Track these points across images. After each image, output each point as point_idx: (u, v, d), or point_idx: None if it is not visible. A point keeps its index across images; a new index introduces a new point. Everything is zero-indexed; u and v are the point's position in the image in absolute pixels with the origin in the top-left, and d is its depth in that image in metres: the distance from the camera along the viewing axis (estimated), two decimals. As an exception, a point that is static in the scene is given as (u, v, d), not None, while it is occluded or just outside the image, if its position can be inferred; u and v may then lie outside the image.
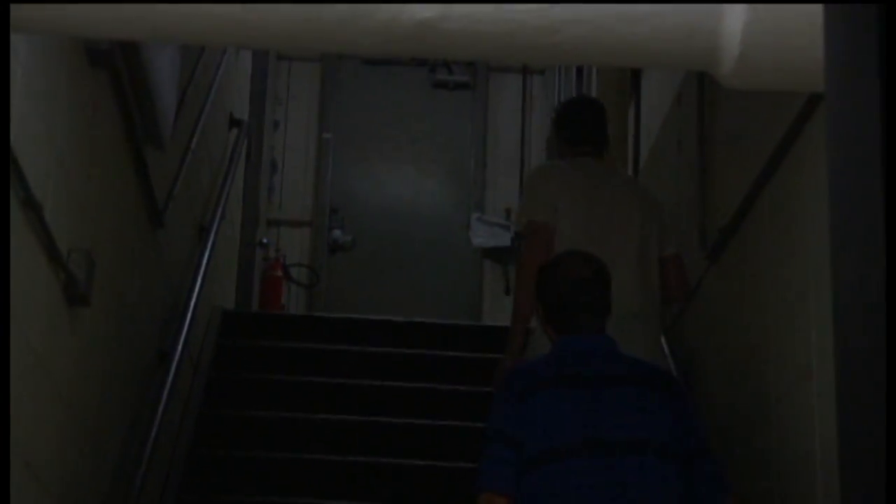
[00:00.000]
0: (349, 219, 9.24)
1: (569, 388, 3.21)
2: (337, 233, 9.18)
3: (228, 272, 7.06)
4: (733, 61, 2.34)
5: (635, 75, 7.00)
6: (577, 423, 3.16)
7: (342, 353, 6.15)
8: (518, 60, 6.54)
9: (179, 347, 4.59)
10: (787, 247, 3.54)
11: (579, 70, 7.92)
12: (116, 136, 3.64)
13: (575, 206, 4.23)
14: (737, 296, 4.14)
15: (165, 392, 4.31)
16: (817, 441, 3.21)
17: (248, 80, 7.73)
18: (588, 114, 4.55)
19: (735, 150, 4.19)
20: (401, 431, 5.48)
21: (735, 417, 4.11)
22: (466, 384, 5.82)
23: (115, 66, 3.42)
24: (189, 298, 4.93)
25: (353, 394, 5.75)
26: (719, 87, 4.45)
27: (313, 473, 5.14)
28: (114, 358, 3.86)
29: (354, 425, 5.47)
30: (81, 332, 3.32)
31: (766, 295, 3.78)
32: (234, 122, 6.59)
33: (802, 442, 3.32)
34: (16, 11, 1.99)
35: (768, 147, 3.66)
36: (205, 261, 5.23)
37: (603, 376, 3.25)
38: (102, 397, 3.72)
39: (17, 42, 2.60)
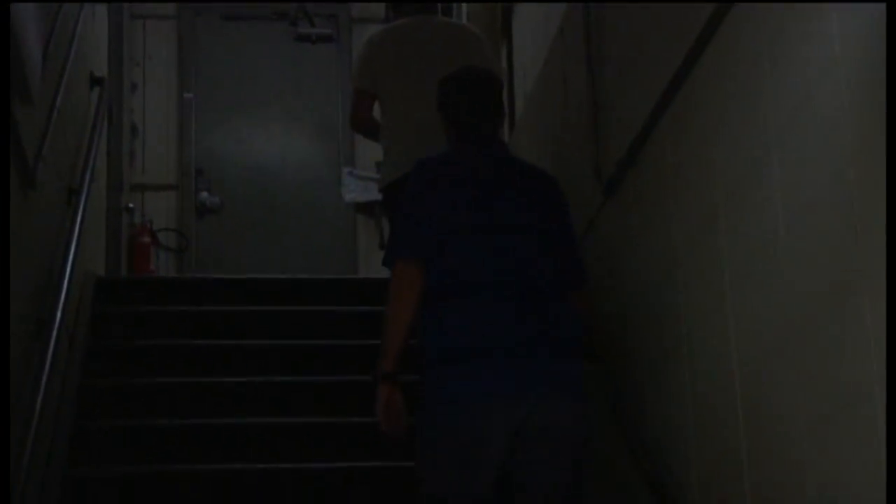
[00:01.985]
0: (216, 180, 8.99)
1: (463, 186, 3.74)
2: (204, 195, 8.93)
3: (97, 239, 6.79)
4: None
5: (506, 18, 6.89)
6: (470, 210, 3.69)
7: (219, 314, 5.96)
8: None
9: (59, 315, 4.35)
10: (693, 172, 3.46)
11: (447, 15, 7.78)
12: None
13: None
14: (637, 230, 4.05)
15: (48, 362, 4.08)
16: (736, 374, 3.13)
17: (106, 39, 7.41)
18: None
19: (629, 76, 4.09)
20: (285, 390, 5.33)
21: (639, 362, 4.03)
22: (347, 338, 5.69)
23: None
24: (65, 264, 4.68)
25: (233, 355, 5.57)
26: (607, 12, 4.35)
27: (197, 439, 4.97)
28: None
29: (234, 387, 5.30)
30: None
31: (668, 227, 3.69)
32: (96, 81, 6.30)
33: (721, 378, 3.24)
34: None
35: (667, 69, 3.56)
36: (77, 224, 4.98)
37: (494, 172, 3.79)
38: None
39: None
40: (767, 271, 2.89)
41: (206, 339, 5.71)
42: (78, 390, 5.09)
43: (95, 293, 5.93)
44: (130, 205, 8.41)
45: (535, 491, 3.46)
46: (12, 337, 3.98)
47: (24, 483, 3.65)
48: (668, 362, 3.70)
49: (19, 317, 4.12)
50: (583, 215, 4.58)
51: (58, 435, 4.70)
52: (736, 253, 3.12)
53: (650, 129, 3.84)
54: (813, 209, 2.62)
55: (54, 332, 4.21)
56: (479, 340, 3.50)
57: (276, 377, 5.43)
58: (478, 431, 3.42)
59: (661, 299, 3.77)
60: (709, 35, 3.27)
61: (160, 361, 5.49)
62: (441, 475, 3.47)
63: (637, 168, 4.03)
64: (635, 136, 3.96)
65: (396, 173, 4.77)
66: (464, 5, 7.43)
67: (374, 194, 8.55)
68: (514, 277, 3.59)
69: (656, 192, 3.82)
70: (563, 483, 3.48)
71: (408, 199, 3.77)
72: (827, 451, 2.57)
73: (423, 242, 3.63)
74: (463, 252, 3.63)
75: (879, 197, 2.26)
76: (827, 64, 2.54)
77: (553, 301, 3.62)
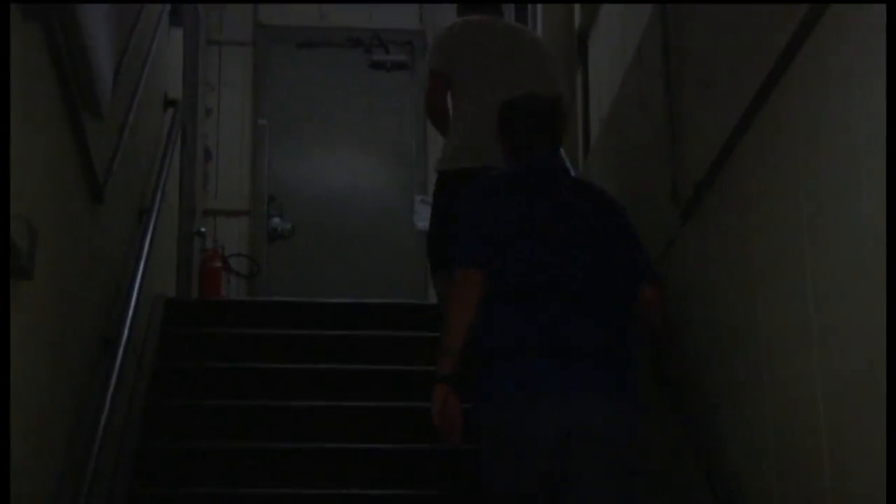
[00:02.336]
0: (288, 206, 8.97)
1: (527, 193, 3.90)
2: (276, 221, 8.92)
3: (168, 262, 6.78)
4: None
5: (582, 43, 6.80)
6: (534, 217, 3.83)
7: (286, 337, 5.91)
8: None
9: (125, 334, 4.31)
10: (776, 193, 3.34)
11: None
12: (51, 97, 3.35)
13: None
14: (715, 254, 3.93)
15: (113, 380, 4.03)
16: (822, 410, 3.00)
17: (181, 63, 7.42)
18: None
19: (708, 95, 3.98)
20: (352, 415, 5.26)
21: (716, 388, 3.90)
22: (417, 363, 5.61)
23: (49, 21, 3.14)
24: (133, 282, 4.64)
25: (301, 378, 5.51)
26: (687, 31, 4.25)
27: (266, 462, 4.91)
28: (58, 342, 3.58)
29: (302, 410, 5.24)
30: (24, 310, 3.04)
31: (748, 251, 3.56)
32: (169, 103, 6.30)
33: (803, 408, 3.11)
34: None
35: (749, 87, 3.45)
36: (147, 244, 4.95)
37: (550, 182, 3.96)
38: (48, 384, 3.44)
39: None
40: (857, 295, 2.75)
41: (274, 362, 5.66)
42: (144, 410, 5.05)
43: (165, 314, 5.90)
44: (202, 229, 8.40)
45: (584, 496, 3.52)
46: (79, 349, 3.95)
47: (88, 497, 3.60)
48: (746, 390, 3.57)
49: (86, 329, 4.09)
50: (659, 240, 4.47)
51: (123, 452, 4.66)
52: (823, 276, 2.99)
53: (730, 149, 3.72)
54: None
55: (121, 350, 4.16)
56: (530, 341, 3.62)
57: (344, 402, 5.36)
58: (524, 427, 3.52)
59: (740, 326, 3.65)
60: (793, 51, 3.15)
61: (227, 383, 5.45)
62: (492, 466, 3.60)
63: (716, 190, 3.91)
64: (714, 157, 3.85)
65: (458, 164, 5.02)
66: (539, 31, 7.35)
67: (446, 222, 8.53)
68: (569, 282, 3.72)
69: (736, 214, 3.70)
70: (613, 490, 3.53)
71: (467, 207, 3.91)
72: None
73: (484, 250, 3.74)
74: (520, 256, 3.75)
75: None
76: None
77: (607, 306, 3.72)
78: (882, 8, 2.58)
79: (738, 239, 3.68)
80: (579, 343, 3.62)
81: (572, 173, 4.13)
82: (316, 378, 5.51)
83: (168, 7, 6.30)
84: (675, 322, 4.27)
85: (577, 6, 6.90)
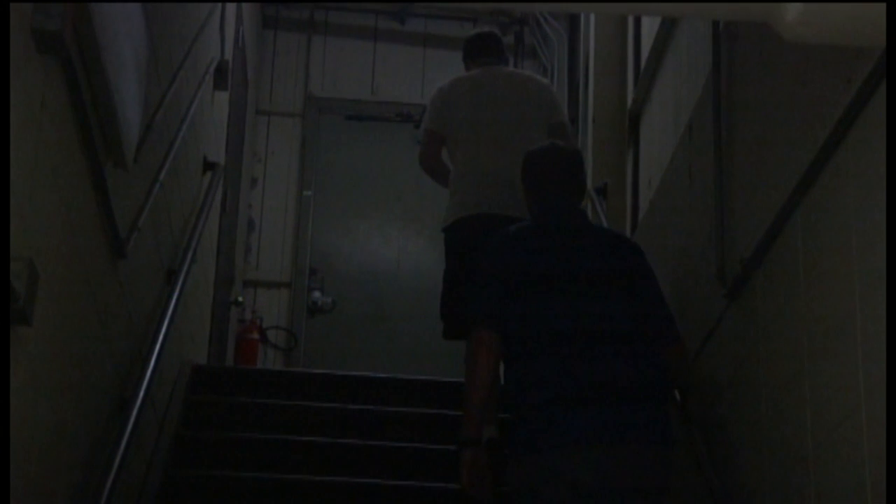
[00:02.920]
0: (329, 280, 8.83)
1: (547, 243, 3.93)
2: (316, 294, 8.78)
3: (201, 329, 6.61)
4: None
5: (634, 123, 6.65)
6: (548, 263, 3.85)
7: (318, 409, 5.71)
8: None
9: (141, 393, 4.12)
10: (826, 272, 3.14)
11: (572, 121, 7.56)
12: (69, 139, 3.21)
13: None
14: (761, 335, 3.72)
15: (124, 441, 3.84)
16: (869, 497, 2.78)
17: (225, 130, 7.32)
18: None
19: (758, 172, 3.80)
20: (382, 494, 5.04)
21: (758, 474, 3.67)
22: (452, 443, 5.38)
23: (68, 55, 3.00)
24: (154, 343, 4.47)
25: (334, 453, 5.30)
26: (739, 106, 4.07)
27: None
28: (64, 397, 3.40)
29: (330, 486, 5.02)
30: (22, 358, 2.87)
31: (795, 333, 3.35)
32: (209, 166, 6.17)
33: (851, 496, 2.88)
34: None
35: (800, 164, 3.27)
36: (172, 304, 4.77)
37: (572, 232, 3.99)
38: (50, 442, 3.26)
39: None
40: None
41: (303, 434, 5.46)
42: (163, 478, 4.86)
43: (191, 381, 5.73)
44: (240, 298, 8.26)
45: None
46: (91, 406, 3.77)
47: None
48: (791, 476, 3.35)
49: (101, 387, 3.92)
50: (704, 319, 4.27)
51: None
52: (873, 361, 2.78)
53: (779, 228, 3.54)
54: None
55: (135, 409, 3.97)
56: (559, 389, 3.63)
57: (374, 479, 5.14)
58: (564, 475, 3.55)
59: (785, 410, 3.43)
60: (847, 126, 2.97)
61: (251, 455, 5.25)
62: None
63: (764, 269, 3.72)
64: (763, 235, 3.66)
65: (457, 214, 5.20)
66: (590, 110, 7.20)
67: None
68: (592, 326, 3.74)
69: (784, 294, 3.50)
70: None
71: (485, 259, 3.93)
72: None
73: (500, 308, 3.77)
74: (541, 304, 3.77)
75: None
76: None
77: (633, 346, 3.74)
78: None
79: (784, 321, 3.48)
80: (603, 386, 3.65)
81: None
82: (342, 454, 5.30)
83: (212, 69, 6.20)
84: (719, 402, 4.06)
85: (630, 83, 6.75)
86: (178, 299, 4.87)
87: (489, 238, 4.03)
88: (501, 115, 5.37)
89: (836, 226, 3.08)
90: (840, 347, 2.99)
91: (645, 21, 6.47)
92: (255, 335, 8.35)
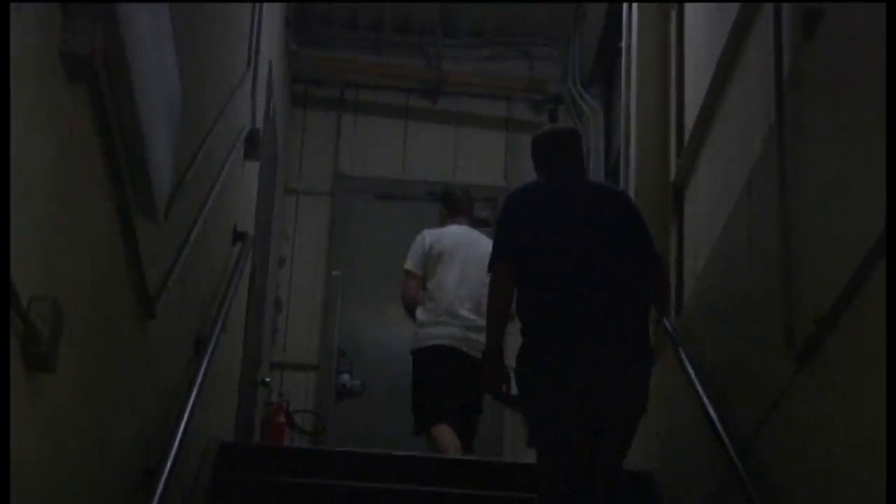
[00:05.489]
0: (358, 362, 8.57)
1: (550, 197, 4.80)
2: (345, 377, 8.52)
3: (228, 407, 6.35)
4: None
5: (678, 197, 6.41)
6: (555, 208, 4.75)
7: (345, 488, 5.43)
8: None
9: (168, 464, 3.85)
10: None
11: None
12: (97, 176, 2.98)
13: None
14: (834, 408, 3.44)
15: (150, 513, 3.57)
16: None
17: (254, 203, 7.12)
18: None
19: (829, 227, 3.54)
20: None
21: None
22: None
23: (98, 85, 2.79)
24: (182, 413, 4.20)
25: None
26: (804, 159, 3.84)
27: None
28: (85, 458, 3.14)
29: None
30: (43, 406, 2.62)
31: (877, 401, 3.07)
32: (239, 236, 5.95)
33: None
34: None
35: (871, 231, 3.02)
36: (201, 373, 4.52)
37: (574, 189, 4.87)
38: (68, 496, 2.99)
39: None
40: None
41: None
42: (187, 559, 4.58)
43: (218, 457, 5.45)
44: (267, 379, 8.00)
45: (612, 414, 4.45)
46: (113, 471, 3.51)
47: None
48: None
49: (125, 456, 3.66)
50: (770, 388, 3.99)
51: None
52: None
53: (859, 284, 3.27)
54: None
55: (162, 480, 3.70)
56: (557, 321, 4.48)
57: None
58: (559, 381, 4.39)
59: (867, 488, 3.14)
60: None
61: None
62: (537, 405, 4.46)
63: (839, 331, 3.45)
64: (839, 293, 3.39)
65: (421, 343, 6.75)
66: (632, 184, 6.97)
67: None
68: (591, 261, 4.59)
69: (861, 361, 3.23)
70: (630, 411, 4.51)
71: (503, 211, 4.82)
72: None
73: (515, 248, 4.61)
74: (549, 249, 4.61)
75: None
76: None
77: (623, 290, 4.60)
78: None
79: (858, 392, 3.20)
80: (593, 324, 4.49)
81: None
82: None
83: (243, 137, 6.00)
84: (791, 489, 3.77)
85: (672, 155, 6.53)
86: (206, 369, 4.61)
87: (507, 196, 4.89)
88: (458, 257, 7.01)
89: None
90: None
91: (689, 90, 6.26)
92: (282, 418, 8.09)
